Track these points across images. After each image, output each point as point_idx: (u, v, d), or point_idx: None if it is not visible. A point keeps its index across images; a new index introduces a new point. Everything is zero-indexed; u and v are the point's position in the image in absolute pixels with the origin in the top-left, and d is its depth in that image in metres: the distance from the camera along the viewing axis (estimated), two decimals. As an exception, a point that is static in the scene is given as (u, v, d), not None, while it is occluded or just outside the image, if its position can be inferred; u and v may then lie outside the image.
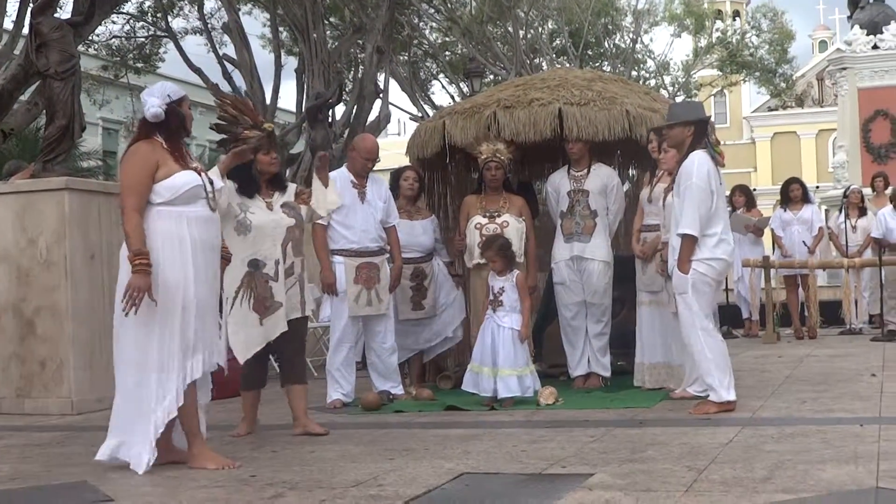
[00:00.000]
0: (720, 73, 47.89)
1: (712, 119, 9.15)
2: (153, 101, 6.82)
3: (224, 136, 7.98)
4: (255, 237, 7.89)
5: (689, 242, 8.32)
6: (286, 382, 8.17)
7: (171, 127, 6.89)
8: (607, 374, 10.44)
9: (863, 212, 16.98)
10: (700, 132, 8.67)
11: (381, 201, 9.82)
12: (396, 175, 10.80)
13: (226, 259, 7.34)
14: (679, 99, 39.32)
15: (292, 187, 8.34)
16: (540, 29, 39.16)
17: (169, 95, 6.90)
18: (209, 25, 29.77)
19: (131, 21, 30.60)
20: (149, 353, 6.61)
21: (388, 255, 9.91)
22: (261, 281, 7.87)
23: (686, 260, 8.33)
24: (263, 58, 31.40)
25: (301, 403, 8.13)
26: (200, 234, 6.76)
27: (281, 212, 8.06)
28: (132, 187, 6.67)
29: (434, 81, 40.27)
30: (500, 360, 9.29)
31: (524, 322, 9.44)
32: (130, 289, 6.47)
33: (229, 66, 27.02)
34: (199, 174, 6.89)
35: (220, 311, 7.18)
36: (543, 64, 37.52)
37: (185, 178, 6.75)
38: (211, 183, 6.95)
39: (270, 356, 8.49)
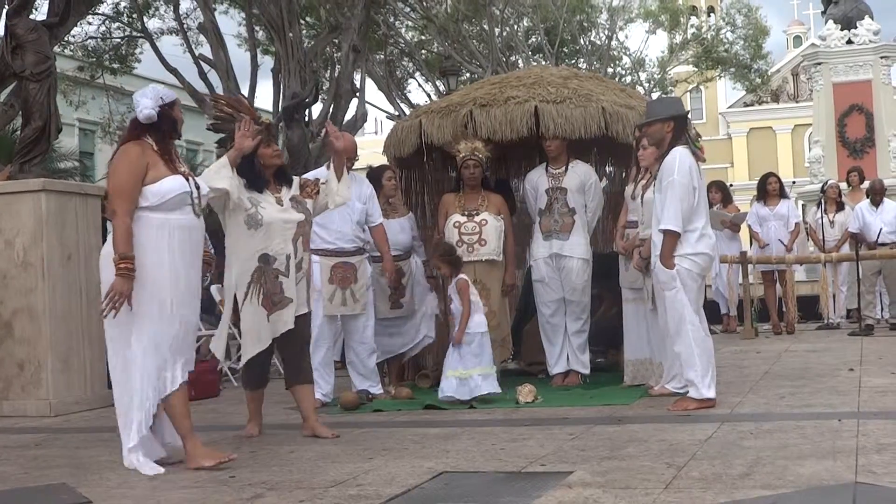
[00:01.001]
0: (696, 70, 47.97)
1: (689, 114, 9.18)
2: (146, 103, 6.82)
3: (223, 136, 7.98)
4: (267, 232, 7.76)
5: (672, 238, 8.35)
6: (292, 382, 8.06)
7: (163, 130, 6.89)
8: (586, 371, 10.45)
9: (840, 207, 17.06)
10: (679, 128, 8.70)
11: (359, 202, 9.80)
12: (377, 174, 10.77)
13: (207, 263, 7.33)
14: (655, 95, 39.40)
15: (297, 180, 8.22)
16: (515, 27, 39.22)
17: (162, 98, 6.90)
18: (185, 26, 29.69)
19: (107, 22, 30.53)
20: (130, 357, 6.61)
21: (367, 255, 9.90)
22: (270, 276, 7.75)
23: (669, 256, 8.36)
24: (239, 57, 31.33)
25: (309, 404, 8.00)
26: (183, 240, 6.74)
27: (290, 207, 7.94)
28: (123, 190, 6.66)
29: (410, 80, 40.27)
30: (467, 363, 9.34)
31: (459, 328, 9.41)
32: (112, 291, 6.47)
33: (205, 67, 26.92)
34: (187, 179, 6.86)
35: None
36: (519, 62, 37.57)
37: (172, 184, 6.73)
38: (198, 188, 6.92)
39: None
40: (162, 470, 6.60)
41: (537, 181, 10.46)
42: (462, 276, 9.59)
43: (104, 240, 11.52)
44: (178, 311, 6.68)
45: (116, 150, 6.91)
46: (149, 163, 6.71)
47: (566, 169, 10.36)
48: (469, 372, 9.28)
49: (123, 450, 6.74)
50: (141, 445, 6.69)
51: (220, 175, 7.59)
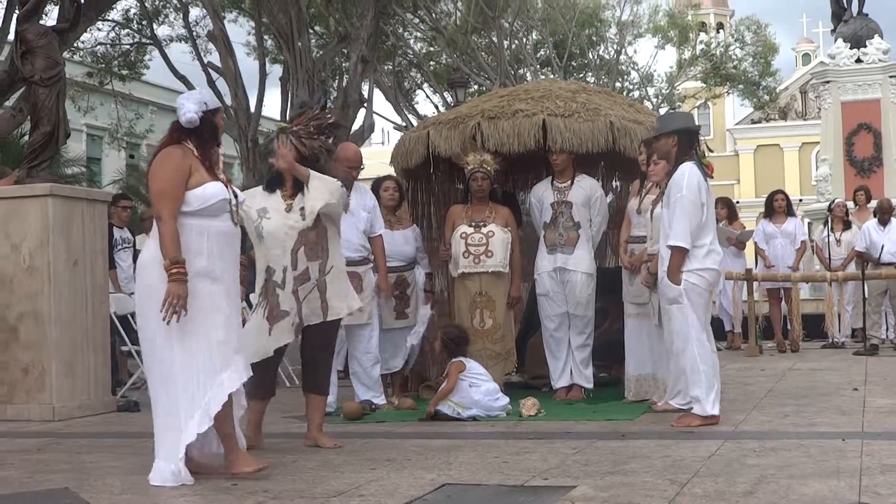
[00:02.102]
0: (704, 86, 48.00)
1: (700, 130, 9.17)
2: (189, 107, 6.71)
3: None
4: (267, 244, 7.72)
5: (680, 254, 8.35)
6: (304, 390, 8.05)
7: (204, 135, 6.79)
8: (590, 385, 10.44)
9: (847, 225, 17.05)
10: (686, 142, 8.69)
11: (364, 211, 9.80)
12: (376, 185, 10.79)
13: (243, 267, 7.27)
14: (663, 110, 39.41)
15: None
16: (524, 40, 39.24)
17: (205, 104, 6.80)
18: (194, 33, 29.76)
19: (116, 28, 30.59)
20: (176, 367, 6.47)
21: (372, 265, 9.90)
22: (271, 291, 7.70)
23: (677, 271, 8.35)
24: (248, 66, 31.38)
25: (315, 415, 7.93)
26: (223, 246, 6.67)
27: (298, 214, 7.78)
28: (168, 193, 6.55)
29: (418, 91, 40.37)
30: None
31: (433, 401, 9.38)
32: (170, 297, 6.34)
33: (214, 74, 26.99)
34: (226, 186, 6.81)
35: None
36: (528, 75, 37.59)
37: (215, 189, 6.65)
38: (235, 196, 6.84)
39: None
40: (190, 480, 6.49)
41: (542, 195, 10.46)
42: (458, 359, 9.55)
43: (111, 245, 11.56)
44: (222, 316, 6.57)
45: (156, 152, 6.79)
46: (191, 166, 6.62)
47: (572, 183, 10.36)
48: (468, 410, 9.24)
49: (166, 461, 6.50)
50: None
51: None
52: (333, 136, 8.07)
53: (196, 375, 6.46)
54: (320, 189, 7.74)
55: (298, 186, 7.85)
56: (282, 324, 7.69)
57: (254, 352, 7.64)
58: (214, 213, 6.63)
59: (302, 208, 7.79)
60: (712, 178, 8.82)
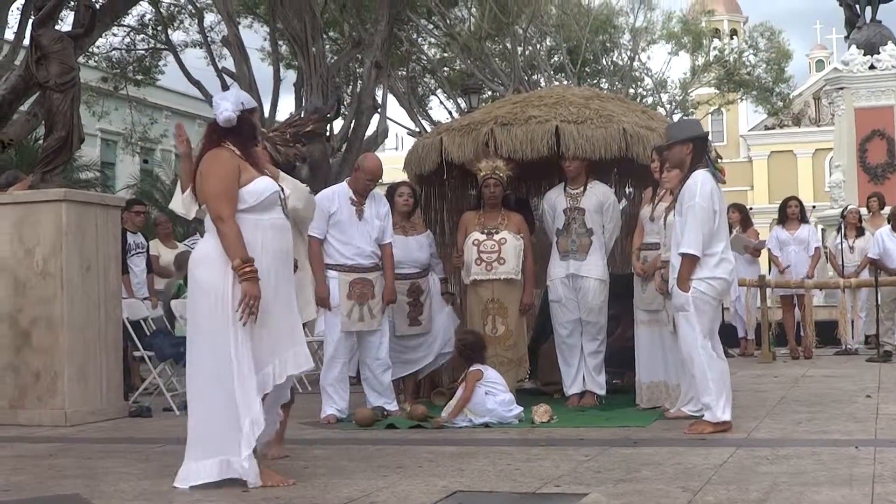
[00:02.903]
0: (717, 92, 47.95)
1: (710, 137, 9.17)
2: (226, 106, 6.66)
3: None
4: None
5: (691, 262, 8.35)
6: None
7: (243, 135, 6.73)
8: (602, 392, 10.43)
9: (860, 232, 17.01)
10: (699, 149, 8.69)
11: (377, 219, 9.83)
12: (391, 190, 10.81)
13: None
14: (676, 117, 39.39)
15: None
16: (538, 46, 39.22)
17: (242, 103, 6.75)
18: (209, 39, 29.83)
19: (132, 34, 30.66)
20: (229, 366, 6.37)
21: (382, 272, 9.91)
22: None
23: (687, 279, 8.35)
24: (262, 71, 31.47)
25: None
26: (276, 241, 6.62)
27: None
28: (224, 193, 6.51)
29: (432, 97, 40.35)
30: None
31: (452, 411, 9.34)
32: (246, 297, 6.31)
33: (228, 80, 27.03)
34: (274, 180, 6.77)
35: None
36: (541, 81, 37.58)
37: (266, 184, 6.63)
38: (282, 189, 6.84)
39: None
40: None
41: (555, 201, 10.45)
42: (476, 367, 9.53)
43: (124, 251, 11.56)
44: (272, 310, 6.51)
45: (199, 157, 6.72)
46: (240, 165, 6.59)
47: (584, 189, 10.35)
48: (480, 418, 9.25)
49: (235, 463, 6.43)
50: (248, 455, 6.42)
51: (175, 198, 7.57)
52: (308, 143, 7.96)
53: (250, 366, 6.40)
54: (291, 193, 7.70)
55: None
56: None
57: None
58: (267, 208, 6.60)
59: None
60: (724, 182, 8.81)
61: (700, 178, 8.46)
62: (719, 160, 9.12)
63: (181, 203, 7.60)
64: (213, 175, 6.58)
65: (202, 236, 7.21)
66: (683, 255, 8.37)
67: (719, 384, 8.34)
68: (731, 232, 12.99)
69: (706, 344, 8.38)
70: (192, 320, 6.65)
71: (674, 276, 8.51)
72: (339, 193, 9.83)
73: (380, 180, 10.00)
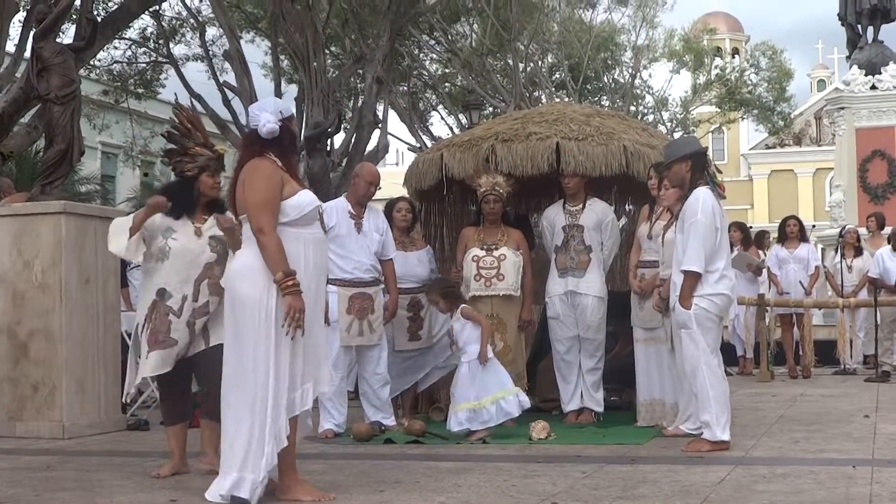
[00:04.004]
0: (718, 110, 48.07)
1: (709, 153, 9.18)
2: (268, 117, 6.52)
3: (172, 147, 7.80)
4: (171, 265, 7.44)
5: (693, 279, 8.35)
6: (208, 417, 7.58)
7: (284, 144, 6.62)
8: (600, 409, 10.41)
9: (859, 252, 17.03)
10: (698, 166, 8.71)
11: (377, 233, 9.83)
12: (389, 206, 10.82)
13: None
14: (677, 135, 39.43)
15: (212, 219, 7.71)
16: (540, 62, 39.29)
17: (281, 112, 6.63)
18: (210, 52, 29.85)
19: (133, 47, 30.71)
20: (270, 376, 6.26)
21: (383, 286, 9.91)
22: (161, 313, 7.41)
23: (688, 296, 8.35)
24: (263, 86, 31.50)
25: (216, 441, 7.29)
26: (315, 256, 6.52)
27: (207, 242, 7.55)
28: (267, 204, 6.36)
29: (433, 112, 40.42)
30: (491, 388, 9.34)
31: (481, 345, 9.41)
32: (292, 311, 6.21)
33: (229, 94, 27.06)
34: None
35: None
36: (542, 97, 37.62)
37: (308, 198, 6.53)
38: (321, 205, 6.73)
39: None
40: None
41: (554, 218, 10.45)
42: (463, 305, 9.63)
43: (123, 264, 11.55)
44: (309, 327, 6.39)
45: (239, 167, 6.60)
46: (283, 177, 6.48)
47: (583, 206, 10.35)
48: (481, 403, 9.27)
49: (253, 472, 6.31)
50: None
51: (117, 239, 7.52)
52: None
53: (285, 383, 6.31)
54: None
55: (212, 211, 7.68)
56: (165, 352, 7.39)
57: (132, 375, 7.58)
58: (308, 222, 6.50)
59: (212, 236, 7.59)
60: (724, 198, 8.82)
61: (701, 195, 8.47)
62: (718, 174, 9.12)
63: (126, 247, 7.52)
64: (256, 187, 6.44)
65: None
66: (685, 273, 8.38)
67: (720, 403, 8.33)
68: (732, 250, 13.00)
69: (711, 361, 8.38)
70: (231, 333, 6.46)
71: (675, 293, 8.51)
72: (336, 208, 9.82)
73: (379, 186, 10.00)
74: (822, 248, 25.30)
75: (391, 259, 9.99)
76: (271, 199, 6.39)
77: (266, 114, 6.55)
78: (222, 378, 6.49)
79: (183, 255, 7.42)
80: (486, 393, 9.31)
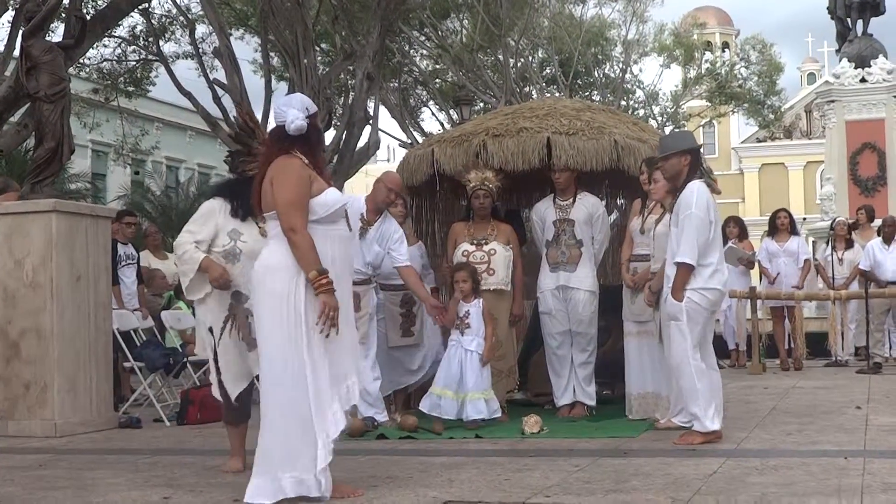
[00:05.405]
0: (709, 104, 48.10)
1: (702, 149, 9.20)
2: (295, 114, 6.42)
3: (238, 148, 7.77)
4: (244, 268, 7.43)
5: (686, 271, 8.36)
6: (244, 420, 7.74)
7: (311, 141, 6.54)
8: (592, 403, 10.42)
9: (849, 244, 17.05)
10: (695, 161, 8.72)
11: (378, 246, 9.68)
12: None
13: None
14: (668, 129, 39.46)
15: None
16: (530, 58, 39.30)
17: (307, 108, 6.52)
18: (200, 50, 29.78)
19: (123, 45, 30.61)
20: (307, 372, 6.17)
21: (373, 286, 9.88)
22: (241, 315, 7.50)
23: (681, 288, 8.36)
24: (254, 83, 31.41)
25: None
26: (342, 253, 6.48)
27: None
28: (297, 203, 6.29)
29: (424, 108, 40.36)
30: (469, 384, 9.41)
31: (487, 346, 9.55)
32: (327, 309, 6.14)
33: (219, 91, 27.00)
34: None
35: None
36: (533, 93, 37.65)
37: (336, 196, 6.48)
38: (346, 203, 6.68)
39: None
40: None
41: (545, 212, 10.45)
42: (482, 298, 9.76)
43: (114, 262, 11.55)
44: (342, 324, 6.31)
45: (264, 165, 6.53)
46: (311, 175, 6.41)
47: (574, 201, 10.35)
48: (460, 396, 9.33)
49: (305, 472, 6.21)
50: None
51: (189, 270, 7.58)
52: None
53: (325, 379, 6.25)
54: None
55: None
56: (255, 353, 7.28)
57: (234, 379, 7.56)
58: (335, 220, 6.45)
59: None
60: (719, 192, 8.84)
61: (696, 189, 8.48)
62: (711, 173, 9.15)
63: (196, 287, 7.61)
64: (286, 185, 6.35)
65: None
66: (678, 265, 8.38)
67: (707, 394, 8.34)
68: (725, 244, 13.01)
69: (696, 355, 8.39)
70: (263, 332, 6.36)
71: (668, 285, 8.52)
72: (353, 207, 9.74)
73: (400, 194, 9.97)
74: (814, 241, 25.35)
75: (407, 265, 9.82)
76: (302, 198, 6.32)
77: (293, 110, 6.45)
78: (259, 377, 6.47)
79: (253, 256, 7.17)
80: (464, 389, 9.40)
